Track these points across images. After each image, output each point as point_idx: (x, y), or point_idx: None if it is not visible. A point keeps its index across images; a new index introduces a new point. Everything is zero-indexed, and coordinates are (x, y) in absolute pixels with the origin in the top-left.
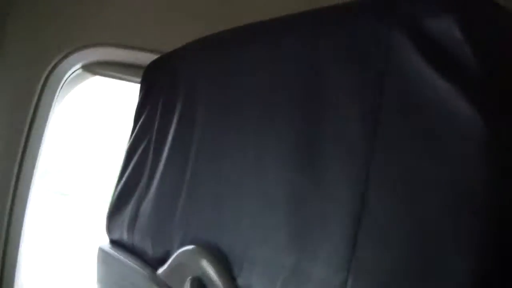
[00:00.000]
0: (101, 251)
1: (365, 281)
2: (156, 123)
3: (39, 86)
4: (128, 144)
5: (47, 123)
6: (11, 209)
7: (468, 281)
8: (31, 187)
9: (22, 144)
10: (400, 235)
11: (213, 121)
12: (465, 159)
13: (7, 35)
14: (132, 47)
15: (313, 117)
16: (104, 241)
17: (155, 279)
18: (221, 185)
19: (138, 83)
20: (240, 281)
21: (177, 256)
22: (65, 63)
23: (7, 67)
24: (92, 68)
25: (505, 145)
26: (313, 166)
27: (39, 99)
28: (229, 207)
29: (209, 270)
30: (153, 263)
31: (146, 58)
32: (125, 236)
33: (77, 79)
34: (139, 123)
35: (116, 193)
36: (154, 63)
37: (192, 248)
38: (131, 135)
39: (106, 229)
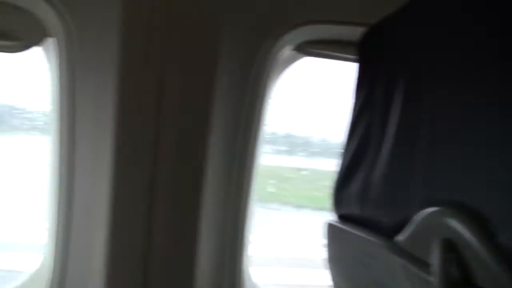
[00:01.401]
0: (331, 227)
1: None
2: (378, 95)
3: (254, 69)
4: (350, 119)
5: (263, 107)
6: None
7: None
8: (252, 170)
9: (242, 130)
10: None
11: (446, 84)
12: None
13: (224, 24)
14: (344, 22)
15: None
16: (331, 217)
17: (392, 247)
18: (468, 147)
19: (349, 60)
20: (501, 239)
21: (419, 219)
22: (277, 44)
23: (221, 54)
24: (303, 47)
25: None
26: None
27: (255, 82)
28: (479, 166)
29: (462, 229)
30: (387, 232)
31: (358, 32)
32: (354, 209)
33: (288, 60)
34: (360, 97)
35: (343, 168)
36: (369, 32)
37: (438, 209)
38: (353, 110)
39: (334, 205)
